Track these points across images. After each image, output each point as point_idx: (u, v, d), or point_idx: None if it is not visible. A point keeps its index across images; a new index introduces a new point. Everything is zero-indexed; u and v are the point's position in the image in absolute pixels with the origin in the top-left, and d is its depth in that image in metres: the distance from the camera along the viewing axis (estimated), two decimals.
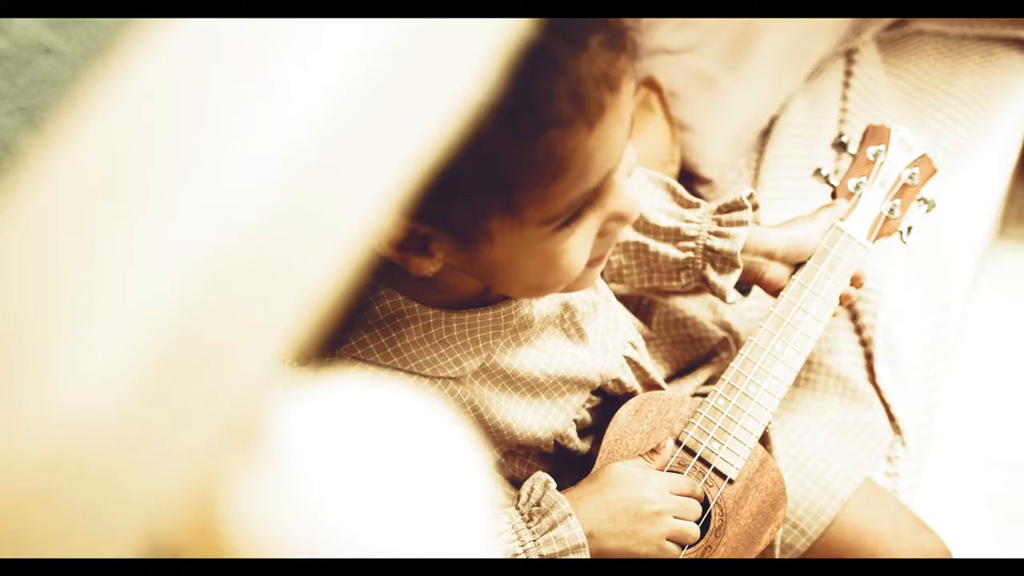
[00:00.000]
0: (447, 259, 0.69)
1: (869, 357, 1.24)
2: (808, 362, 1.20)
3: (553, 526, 0.81)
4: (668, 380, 1.07)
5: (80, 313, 0.26)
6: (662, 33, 1.41)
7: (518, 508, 0.83)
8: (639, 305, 1.10)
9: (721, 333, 1.09)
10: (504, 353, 0.82)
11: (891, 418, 1.21)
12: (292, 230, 0.29)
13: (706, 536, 0.89)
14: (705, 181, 1.38)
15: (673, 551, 0.85)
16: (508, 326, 0.80)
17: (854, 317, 1.27)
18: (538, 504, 0.82)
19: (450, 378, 0.79)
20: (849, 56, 1.44)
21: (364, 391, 0.35)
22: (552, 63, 0.58)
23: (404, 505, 0.34)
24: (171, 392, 0.27)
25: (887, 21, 1.46)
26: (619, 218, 0.69)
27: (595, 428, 0.93)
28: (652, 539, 0.84)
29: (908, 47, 1.47)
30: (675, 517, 0.85)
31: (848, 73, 1.42)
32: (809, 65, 1.40)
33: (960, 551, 1.06)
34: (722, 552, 0.89)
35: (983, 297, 1.60)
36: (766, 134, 1.41)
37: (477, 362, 0.80)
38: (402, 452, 0.35)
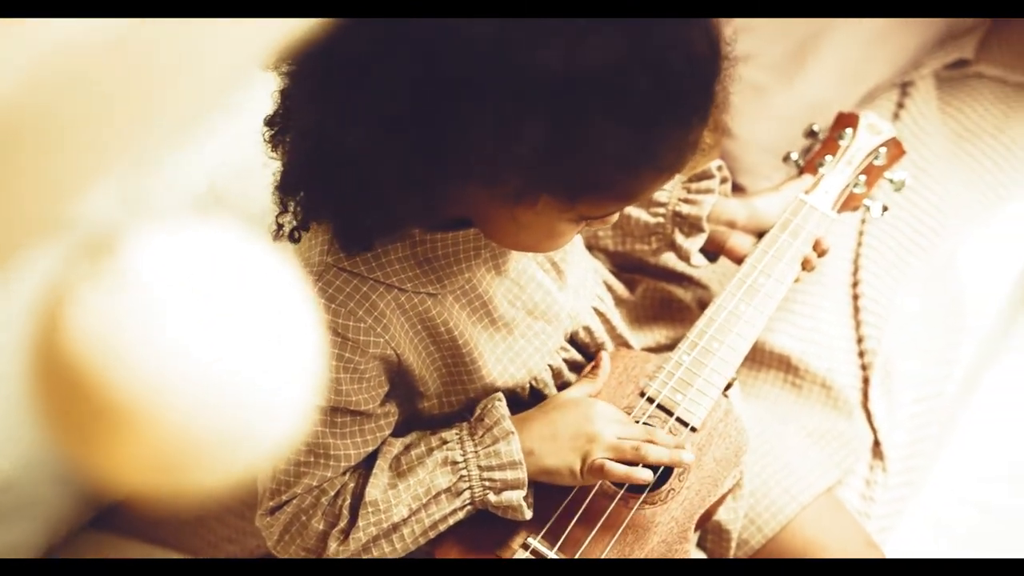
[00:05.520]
0: (472, 201, 0.75)
1: (866, 382, 1.24)
2: (797, 369, 1.22)
3: (495, 441, 0.85)
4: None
5: None
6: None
7: (469, 421, 0.88)
8: (628, 280, 1.13)
9: None
10: (483, 279, 0.86)
11: (876, 443, 1.22)
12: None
13: (670, 480, 0.92)
14: (738, 188, 1.40)
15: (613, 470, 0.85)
16: (488, 247, 0.84)
17: (859, 340, 1.27)
18: (482, 419, 0.87)
19: (430, 294, 0.83)
20: (904, 88, 1.44)
21: (221, 236, 0.37)
22: (687, 118, 0.67)
23: (234, 338, 0.37)
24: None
25: (949, 58, 1.46)
26: (606, 221, 0.80)
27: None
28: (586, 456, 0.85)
29: (965, 88, 1.46)
30: (623, 442, 0.86)
31: (900, 105, 1.43)
32: (862, 90, 1.41)
33: None
34: (685, 495, 0.91)
35: (1006, 356, 1.57)
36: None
37: (459, 281, 0.84)
38: (243, 294, 0.37)
